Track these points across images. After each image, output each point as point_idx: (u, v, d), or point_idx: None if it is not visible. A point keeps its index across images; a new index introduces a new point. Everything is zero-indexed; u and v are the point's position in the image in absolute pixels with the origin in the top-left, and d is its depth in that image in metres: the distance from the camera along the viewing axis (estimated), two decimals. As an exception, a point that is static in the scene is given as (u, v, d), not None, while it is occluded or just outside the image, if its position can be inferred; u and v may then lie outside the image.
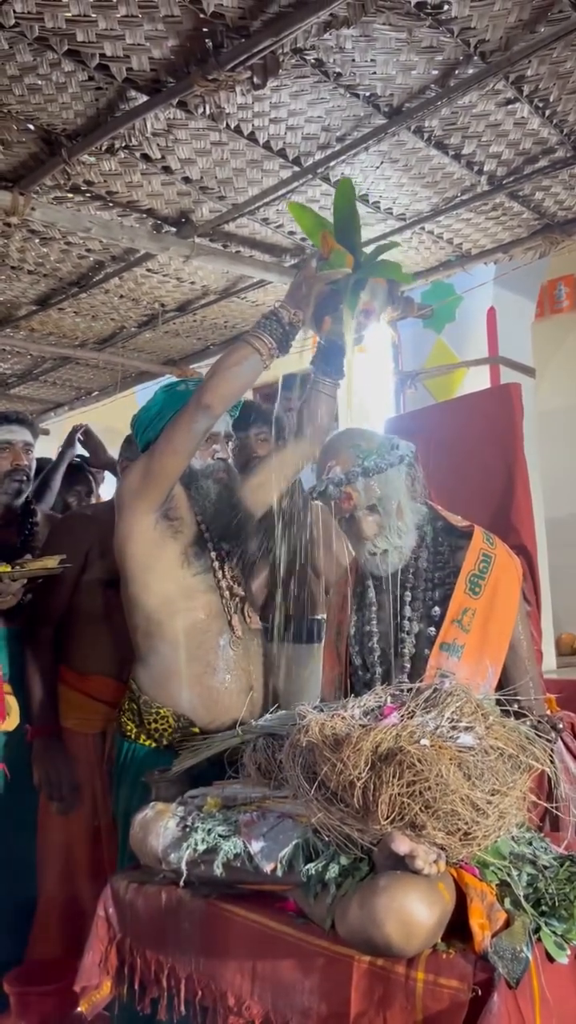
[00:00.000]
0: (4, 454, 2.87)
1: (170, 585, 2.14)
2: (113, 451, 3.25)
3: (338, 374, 2.24)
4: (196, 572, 2.16)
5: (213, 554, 2.20)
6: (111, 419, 4.39)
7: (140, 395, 5.12)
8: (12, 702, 2.30)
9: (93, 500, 3.63)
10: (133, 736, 2.18)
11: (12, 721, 2.29)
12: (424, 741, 1.36)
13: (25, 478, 2.89)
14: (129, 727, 2.19)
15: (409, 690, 1.60)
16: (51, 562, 2.30)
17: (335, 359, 2.23)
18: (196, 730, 2.10)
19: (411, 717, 1.48)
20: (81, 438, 3.68)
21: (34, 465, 2.96)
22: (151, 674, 2.16)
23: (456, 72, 2.14)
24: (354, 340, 2.10)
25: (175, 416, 2.11)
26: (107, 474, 3.77)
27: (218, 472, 2.25)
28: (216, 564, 2.19)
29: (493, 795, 1.37)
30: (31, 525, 2.90)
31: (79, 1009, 1.78)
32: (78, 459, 3.71)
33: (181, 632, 2.12)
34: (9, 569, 2.21)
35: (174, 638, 2.12)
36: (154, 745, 2.15)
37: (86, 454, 3.71)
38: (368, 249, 2.11)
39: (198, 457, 2.21)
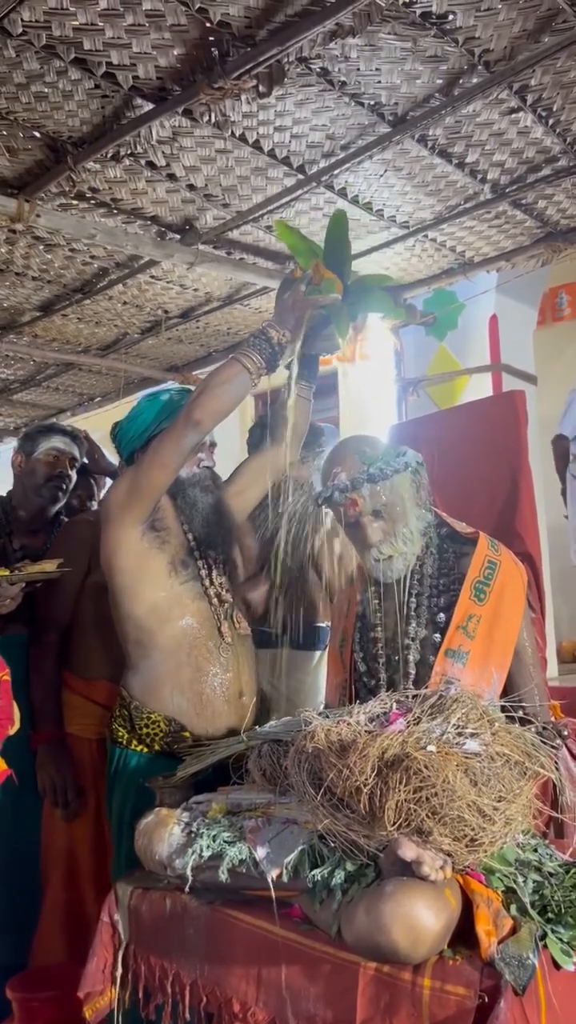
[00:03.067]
0: (51, 461, 2.94)
1: (159, 594, 2.16)
2: (113, 457, 3.27)
3: (313, 378, 2.29)
4: (184, 580, 2.18)
5: (200, 562, 2.23)
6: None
7: (142, 401, 5.13)
8: (15, 706, 2.30)
9: (94, 505, 3.63)
10: (124, 742, 2.19)
11: (15, 726, 2.28)
12: (431, 747, 1.36)
13: (64, 487, 2.96)
14: (120, 733, 2.20)
15: (414, 696, 1.60)
16: (50, 566, 2.30)
17: (310, 364, 2.27)
18: (187, 734, 2.11)
19: (417, 723, 1.48)
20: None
21: (74, 479, 3.01)
22: (142, 680, 2.18)
23: (460, 81, 2.16)
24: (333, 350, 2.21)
25: (163, 431, 2.14)
26: (107, 480, 3.77)
27: (204, 481, 2.28)
28: (204, 572, 2.22)
29: (499, 801, 1.37)
30: (53, 534, 2.93)
31: (82, 1015, 1.77)
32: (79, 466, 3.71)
33: (171, 639, 2.14)
34: (8, 573, 2.22)
35: (164, 645, 2.14)
36: (145, 750, 2.16)
37: (85, 460, 3.72)
38: (359, 274, 2.19)
39: (184, 466, 2.24)
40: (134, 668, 2.21)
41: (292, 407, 2.27)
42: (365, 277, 2.15)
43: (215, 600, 2.20)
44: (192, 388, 2.23)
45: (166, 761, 2.10)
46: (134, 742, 2.17)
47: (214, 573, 2.24)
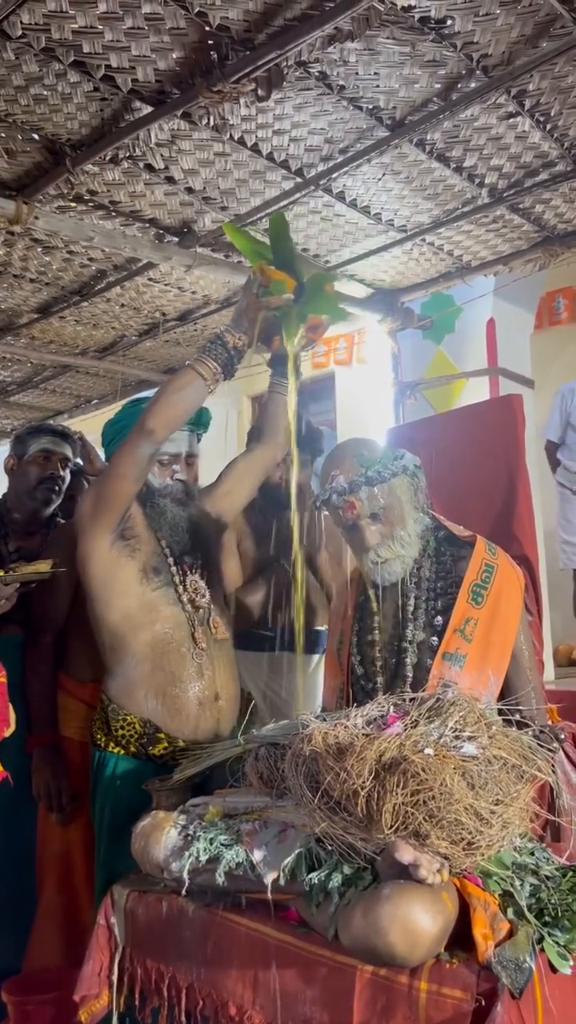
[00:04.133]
0: (41, 462, 2.92)
1: (130, 601, 2.19)
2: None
3: (296, 374, 2.29)
4: (156, 587, 2.21)
5: (174, 568, 2.25)
6: (111, 428, 4.38)
7: (139, 404, 5.12)
8: (9, 709, 2.30)
9: None
10: (102, 745, 2.22)
11: (9, 728, 2.28)
12: (428, 750, 1.36)
13: (56, 488, 2.94)
14: (99, 736, 2.23)
15: (412, 699, 1.60)
16: (43, 566, 2.30)
17: (283, 361, 2.28)
18: (161, 735, 2.14)
19: (415, 726, 1.48)
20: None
21: (68, 479, 2.99)
22: (117, 684, 2.22)
23: (458, 86, 2.16)
24: (303, 351, 2.21)
25: (122, 440, 2.17)
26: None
27: (176, 493, 2.30)
28: (177, 578, 2.24)
29: (497, 805, 1.37)
30: (50, 536, 2.92)
31: (78, 1018, 1.77)
32: (74, 467, 3.71)
33: (144, 645, 2.17)
34: (1, 573, 2.22)
35: (137, 651, 2.17)
36: (122, 752, 2.18)
37: (80, 462, 3.72)
38: (311, 273, 2.20)
39: (157, 477, 2.29)
40: (110, 672, 2.25)
41: (269, 403, 2.33)
42: (313, 276, 2.14)
43: (189, 606, 2.22)
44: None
45: (142, 764, 2.14)
46: (111, 744, 2.20)
47: (188, 579, 2.25)
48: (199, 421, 2.36)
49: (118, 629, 2.19)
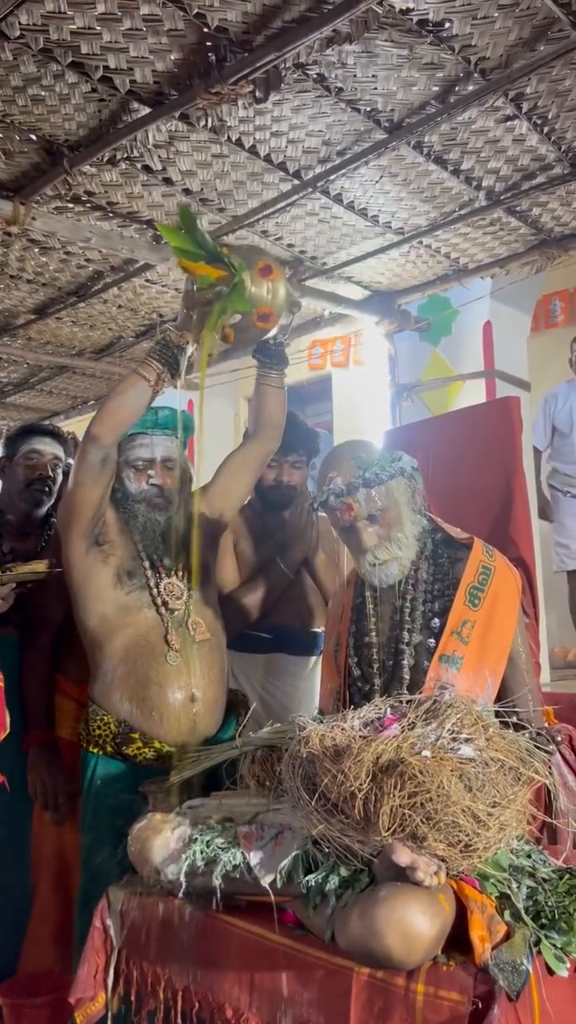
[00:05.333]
0: (31, 463, 2.91)
1: (105, 605, 2.23)
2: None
3: (282, 364, 2.32)
4: (130, 591, 2.24)
5: (149, 571, 2.27)
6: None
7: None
8: (4, 712, 2.30)
9: None
10: (85, 745, 2.26)
11: (3, 731, 2.28)
12: (425, 753, 1.36)
13: (47, 489, 2.93)
14: (82, 735, 2.29)
15: (409, 702, 1.60)
16: (39, 566, 2.31)
17: (276, 350, 2.30)
18: (135, 736, 2.17)
19: (412, 728, 1.48)
20: (71, 445, 3.68)
21: (59, 479, 2.98)
22: (98, 686, 2.26)
23: (456, 89, 2.16)
24: (283, 338, 2.23)
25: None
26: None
27: (152, 498, 2.32)
28: (152, 581, 2.26)
29: (494, 807, 1.37)
30: (48, 537, 2.91)
31: (73, 1021, 1.76)
32: (66, 468, 3.70)
33: (118, 648, 2.21)
34: None
35: (112, 654, 2.21)
36: (100, 752, 2.21)
37: (72, 461, 3.71)
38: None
39: (133, 482, 2.32)
40: (92, 675, 2.29)
41: (258, 396, 2.33)
42: (240, 267, 2.04)
43: (163, 608, 2.24)
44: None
45: (119, 764, 2.18)
46: (90, 744, 2.23)
47: (164, 582, 2.27)
48: (172, 424, 2.36)
49: (95, 633, 2.24)
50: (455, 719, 1.49)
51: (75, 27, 1.85)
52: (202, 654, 2.26)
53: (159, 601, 2.25)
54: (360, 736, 1.48)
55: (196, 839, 1.64)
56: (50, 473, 2.94)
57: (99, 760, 2.22)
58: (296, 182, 2.58)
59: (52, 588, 2.50)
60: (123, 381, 2.14)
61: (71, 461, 3.25)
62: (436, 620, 1.91)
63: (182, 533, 2.32)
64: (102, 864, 2.07)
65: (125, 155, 2.37)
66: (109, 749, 2.20)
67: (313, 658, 2.83)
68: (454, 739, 1.44)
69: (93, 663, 2.28)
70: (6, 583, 2.25)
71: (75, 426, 4.56)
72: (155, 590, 2.26)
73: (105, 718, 2.21)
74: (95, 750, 2.22)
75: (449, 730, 1.46)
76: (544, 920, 1.40)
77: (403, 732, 1.46)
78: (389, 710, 1.60)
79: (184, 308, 2.11)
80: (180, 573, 2.31)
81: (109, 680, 2.22)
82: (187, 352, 2.12)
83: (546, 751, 1.61)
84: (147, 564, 2.28)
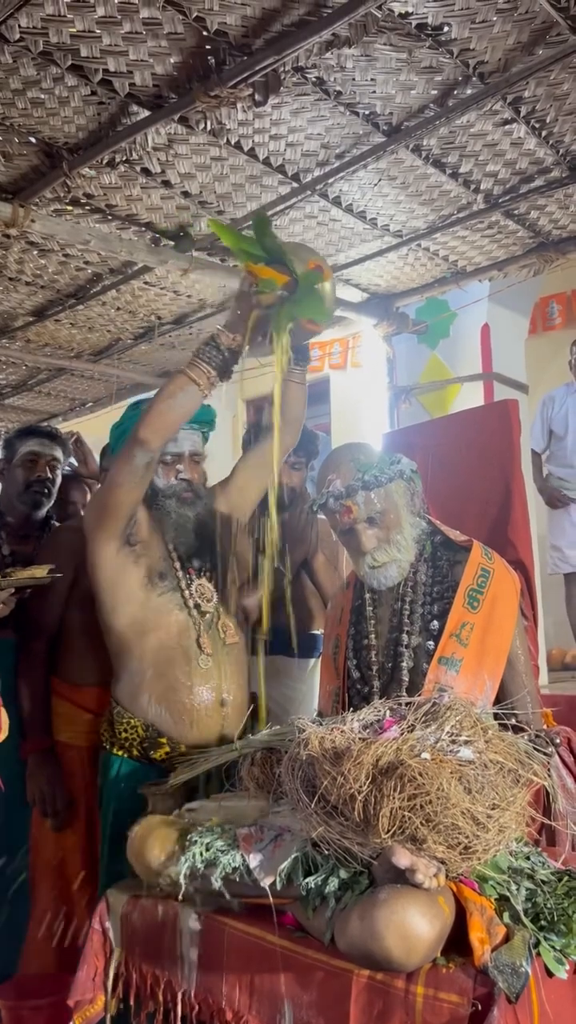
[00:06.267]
0: (29, 465, 2.91)
1: (135, 608, 2.18)
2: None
3: (305, 360, 2.25)
4: (162, 592, 2.20)
5: (180, 573, 2.24)
6: (105, 431, 4.38)
7: (134, 407, 5.12)
8: (2, 714, 2.29)
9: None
10: (108, 747, 2.23)
11: (2, 734, 2.27)
12: (425, 755, 1.36)
13: (46, 491, 2.93)
14: (105, 737, 2.25)
15: (408, 704, 1.60)
16: (40, 571, 2.29)
17: (301, 346, 2.23)
18: (163, 740, 2.13)
19: (411, 731, 1.48)
20: (72, 446, 3.68)
21: (58, 481, 2.98)
22: (124, 688, 2.22)
23: (455, 92, 2.17)
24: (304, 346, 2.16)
25: (118, 449, 2.16)
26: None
27: (182, 492, 2.27)
28: (183, 583, 2.22)
29: (493, 809, 1.37)
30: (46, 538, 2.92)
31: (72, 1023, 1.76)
32: (69, 469, 3.70)
33: (148, 652, 2.17)
34: None
35: (142, 657, 2.17)
36: (125, 755, 2.18)
37: (76, 462, 3.71)
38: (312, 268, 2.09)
39: (161, 477, 2.26)
40: (116, 676, 2.25)
41: (280, 393, 2.21)
42: (305, 274, 2.02)
43: (195, 611, 2.21)
44: None
45: (144, 767, 2.13)
46: (115, 747, 2.20)
47: (195, 583, 2.24)
48: (204, 419, 2.32)
49: (124, 635, 2.19)
50: (454, 721, 1.49)
51: (75, 30, 1.86)
52: (231, 657, 2.23)
53: (191, 603, 2.21)
54: (360, 738, 1.48)
55: (196, 841, 1.64)
56: (49, 475, 2.94)
57: (123, 762, 2.18)
58: (295, 185, 2.59)
59: (49, 592, 2.50)
60: (170, 383, 2.05)
61: (74, 462, 3.26)
62: (435, 622, 1.91)
63: (209, 531, 2.28)
64: (123, 867, 2.04)
65: (124, 158, 2.37)
66: (135, 753, 2.16)
67: (312, 660, 2.83)
68: (453, 741, 1.45)
69: (119, 664, 2.23)
70: (5, 588, 2.24)
71: (74, 428, 4.57)
72: (186, 591, 2.21)
73: (132, 721, 2.16)
74: (120, 753, 2.19)
75: (448, 732, 1.46)
76: (543, 922, 1.40)
77: (402, 734, 1.46)
78: (388, 712, 1.60)
79: (237, 309, 2.03)
80: (209, 574, 2.27)
81: (137, 683, 2.17)
82: (238, 355, 2.05)
83: (545, 753, 1.61)
84: (178, 565, 2.23)
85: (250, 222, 2.74)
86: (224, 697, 2.18)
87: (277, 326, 2.00)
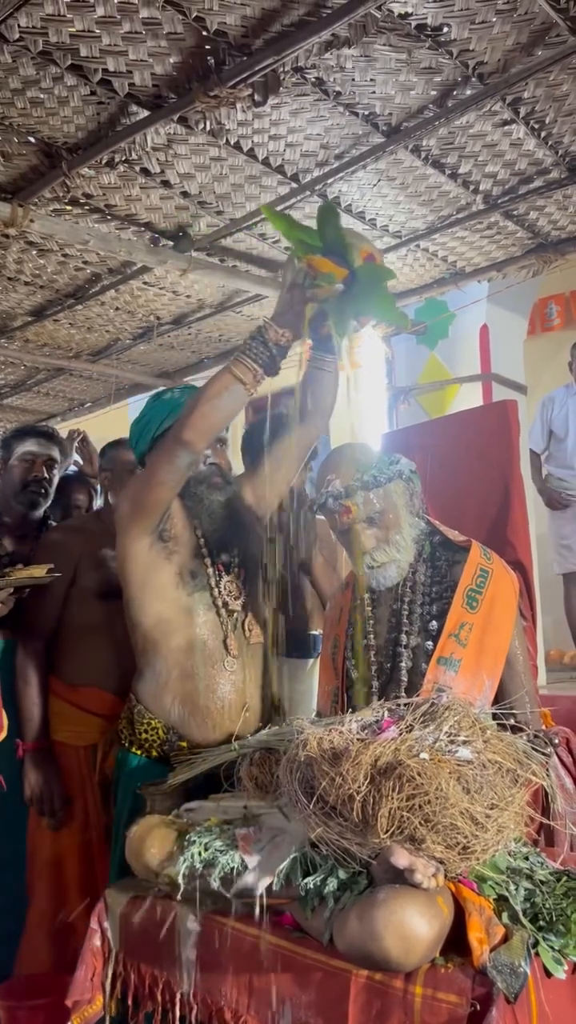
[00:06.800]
0: (25, 465, 2.90)
1: (165, 606, 2.13)
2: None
3: (335, 349, 2.12)
4: (192, 591, 2.15)
5: (211, 570, 2.18)
6: (104, 431, 4.38)
7: (133, 407, 5.12)
8: (1, 714, 2.29)
9: (94, 509, 3.62)
10: (127, 744, 2.19)
11: (2, 733, 2.27)
12: (424, 755, 1.36)
13: (43, 491, 2.92)
14: (124, 734, 2.20)
15: (406, 704, 1.60)
16: (39, 571, 2.29)
17: (327, 337, 2.11)
18: (183, 744, 2.10)
19: (410, 731, 1.48)
20: (77, 444, 3.68)
21: (55, 481, 2.97)
22: (146, 687, 2.17)
23: (454, 93, 2.17)
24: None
25: (159, 447, 2.10)
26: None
27: (212, 478, 2.21)
28: (213, 581, 2.17)
29: (492, 809, 1.37)
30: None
31: (70, 1024, 1.76)
32: (74, 468, 3.71)
33: (175, 651, 2.12)
34: None
35: (168, 656, 2.13)
36: (144, 755, 2.15)
37: (79, 460, 3.72)
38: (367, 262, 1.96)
39: None
40: (140, 674, 2.20)
41: (311, 382, 2.17)
42: (366, 268, 1.87)
43: (223, 611, 2.16)
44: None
45: (163, 768, 2.09)
46: (134, 746, 2.16)
47: (224, 581, 2.19)
48: None
49: (151, 633, 2.14)
50: (452, 721, 1.49)
51: (74, 30, 1.86)
52: (255, 659, 2.20)
53: (219, 603, 2.16)
54: (358, 739, 1.48)
55: (194, 841, 1.64)
56: (46, 475, 2.93)
57: (140, 761, 2.15)
58: (294, 185, 2.59)
59: (46, 592, 2.50)
60: (215, 382, 1.94)
61: (79, 460, 3.25)
62: (434, 622, 1.91)
63: (238, 521, 2.23)
64: None
65: (123, 158, 2.37)
66: (155, 754, 2.12)
67: (310, 660, 2.83)
68: (451, 741, 1.45)
69: (143, 662, 2.18)
70: (5, 587, 2.24)
71: (73, 427, 4.56)
72: (215, 590, 2.16)
73: (153, 722, 2.12)
74: (138, 752, 2.15)
75: (447, 732, 1.46)
76: (542, 922, 1.40)
77: (401, 735, 1.46)
78: (387, 713, 1.60)
79: (288, 303, 1.90)
80: (237, 570, 2.22)
81: (162, 682, 2.12)
82: (287, 351, 1.93)
83: (543, 753, 1.61)
84: (208, 561, 2.18)
85: (245, 225, 2.74)
86: (247, 700, 2.15)
87: (341, 327, 1.88)
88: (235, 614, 2.18)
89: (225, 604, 2.17)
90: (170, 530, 2.15)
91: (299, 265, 1.88)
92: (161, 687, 2.13)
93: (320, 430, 2.24)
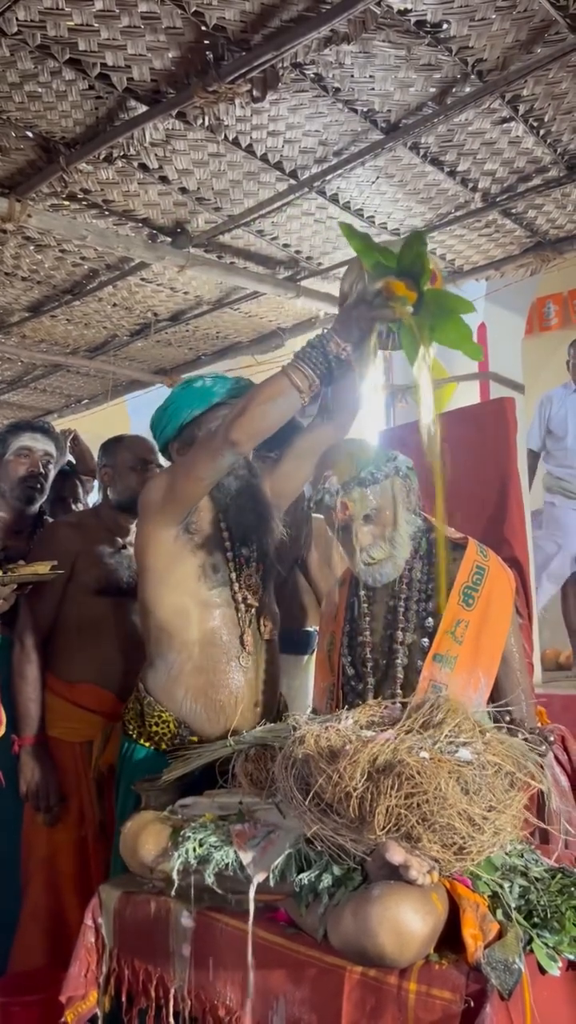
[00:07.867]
0: (22, 460, 2.90)
1: (185, 598, 2.12)
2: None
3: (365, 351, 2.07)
4: (213, 586, 2.13)
5: (231, 564, 2.16)
6: (100, 427, 4.38)
7: (130, 404, 5.11)
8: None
9: (80, 507, 3.62)
10: (134, 736, 2.17)
11: (0, 728, 2.27)
12: (424, 754, 1.36)
13: (39, 486, 2.91)
14: (131, 726, 2.18)
15: (403, 703, 1.60)
16: (43, 568, 2.28)
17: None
18: (195, 739, 2.09)
19: (409, 732, 1.48)
20: (69, 444, 3.67)
21: (51, 476, 2.97)
22: (158, 678, 2.15)
23: (453, 90, 2.17)
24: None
25: (202, 441, 2.07)
26: (96, 481, 3.76)
27: (238, 468, 2.18)
28: (233, 575, 2.16)
29: (489, 811, 1.37)
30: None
31: (64, 1019, 1.75)
32: (67, 466, 3.70)
33: (191, 644, 2.10)
34: (0, 574, 2.20)
35: (183, 648, 2.11)
36: (152, 748, 2.13)
37: (73, 459, 3.71)
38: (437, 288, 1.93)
39: None
40: (151, 664, 2.18)
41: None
42: (436, 294, 1.84)
43: (242, 606, 2.15)
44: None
45: (168, 761, 2.05)
46: (142, 739, 2.14)
47: (243, 575, 2.17)
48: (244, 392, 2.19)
49: (167, 624, 2.12)
50: (452, 724, 1.49)
51: (73, 24, 1.85)
52: (268, 655, 2.19)
53: (239, 597, 2.14)
54: (355, 736, 1.48)
55: (189, 837, 1.64)
56: (42, 470, 2.93)
57: (147, 752, 2.13)
58: (292, 182, 2.59)
59: (44, 588, 2.50)
60: (270, 385, 1.89)
61: (72, 459, 3.24)
62: (430, 619, 1.91)
63: (259, 512, 2.20)
64: None
65: (121, 153, 2.37)
66: (164, 747, 2.11)
67: (306, 657, 2.83)
68: (451, 742, 1.45)
69: (156, 653, 2.15)
70: (8, 584, 2.23)
71: (69, 424, 4.56)
72: (236, 584, 2.14)
73: (164, 715, 2.11)
74: (147, 744, 2.13)
75: (447, 733, 1.46)
76: (536, 919, 1.40)
77: (398, 735, 1.46)
78: (384, 711, 1.60)
79: (355, 319, 1.86)
80: (256, 565, 2.20)
81: (175, 675, 2.11)
82: (345, 366, 1.89)
83: (539, 751, 1.61)
84: (231, 555, 2.16)
85: (243, 222, 2.73)
86: (259, 697, 2.14)
87: (412, 354, 1.85)
88: (252, 609, 2.16)
89: (244, 599, 2.15)
90: (196, 523, 2.14)
91: (376, 286, 1.84)
92: (173, 680, 2.11)
93: (344, 430, 2.19)
